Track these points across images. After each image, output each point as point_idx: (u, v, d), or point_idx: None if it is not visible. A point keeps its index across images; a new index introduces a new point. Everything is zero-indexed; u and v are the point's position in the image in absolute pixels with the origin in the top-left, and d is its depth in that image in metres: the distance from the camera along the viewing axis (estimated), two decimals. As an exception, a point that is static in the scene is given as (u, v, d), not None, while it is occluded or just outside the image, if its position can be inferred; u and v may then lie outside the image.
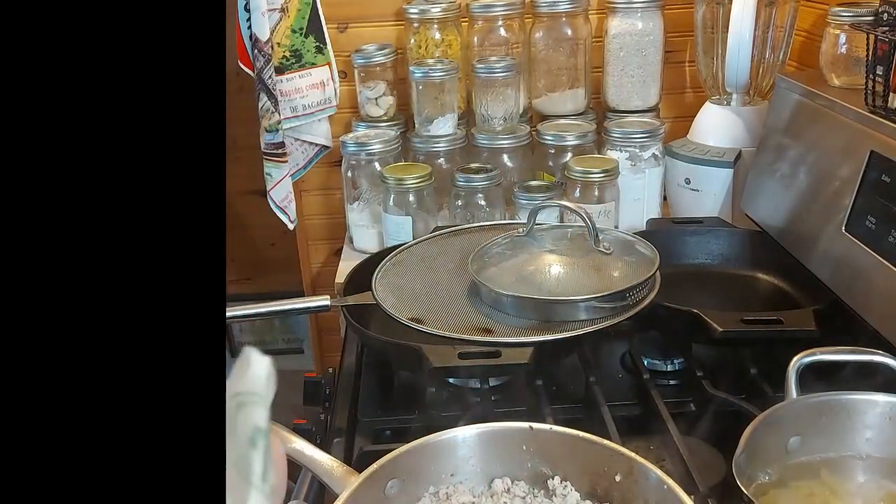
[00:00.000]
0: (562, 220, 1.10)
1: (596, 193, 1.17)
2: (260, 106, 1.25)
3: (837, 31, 1.05)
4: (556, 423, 0.68)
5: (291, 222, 1.33)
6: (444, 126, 1.32)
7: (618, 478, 0.62)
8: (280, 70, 1.28)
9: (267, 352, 0.35)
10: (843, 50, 1.05)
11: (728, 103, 1.24)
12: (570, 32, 1.33)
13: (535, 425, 0.65)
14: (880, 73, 0.89)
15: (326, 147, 1.39)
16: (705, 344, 0.92)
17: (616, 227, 1.17)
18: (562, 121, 1.33)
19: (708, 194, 1.21)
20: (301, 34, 1.29)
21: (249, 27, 1.22)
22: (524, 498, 0.65)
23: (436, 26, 1.33)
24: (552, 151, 1.27)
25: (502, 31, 1.33)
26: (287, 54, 1.29)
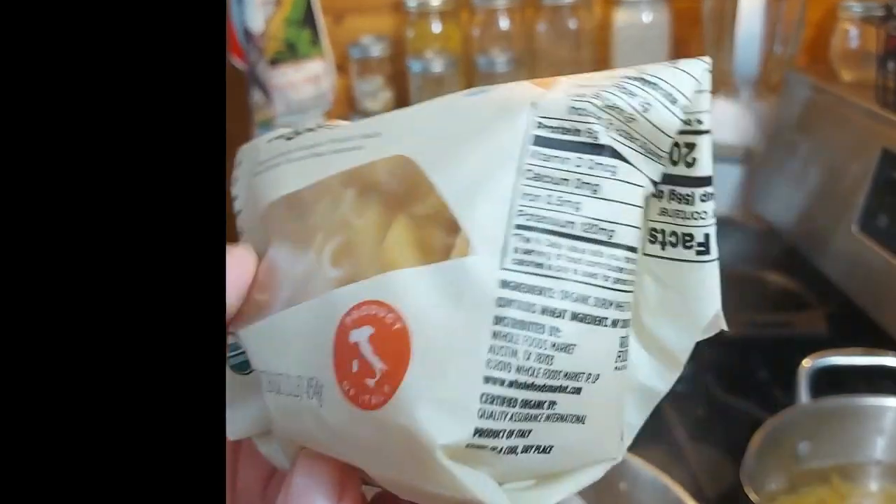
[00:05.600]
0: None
1: (599, 190, 1.15)
2: (253, 100, 1.23)
3: (848, 26, 1.04)
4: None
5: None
6: (444, 121, 1.30)
7: (622, 486, 0.61)
8: (274, 63, 1.27)
9: None
10: (854, 45, 1.03)
11: (737, 98, 1.23)
12: (574, 25, 1.31)
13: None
14: (891, 69, 0.88)
15: (323, 142, 1.38)
16: (713, 346, 0.91)
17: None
18: (564, 116, 1.32)
19: (716, 192, 1.20)
20: (296, 26, 1.28)
21: (243, 19, 1.21)
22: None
23: (435, 18, 1.31)
24: (554, 147, 1.26)
25: (504, 23, 1.31)
26: (281, 47, 1.28)
